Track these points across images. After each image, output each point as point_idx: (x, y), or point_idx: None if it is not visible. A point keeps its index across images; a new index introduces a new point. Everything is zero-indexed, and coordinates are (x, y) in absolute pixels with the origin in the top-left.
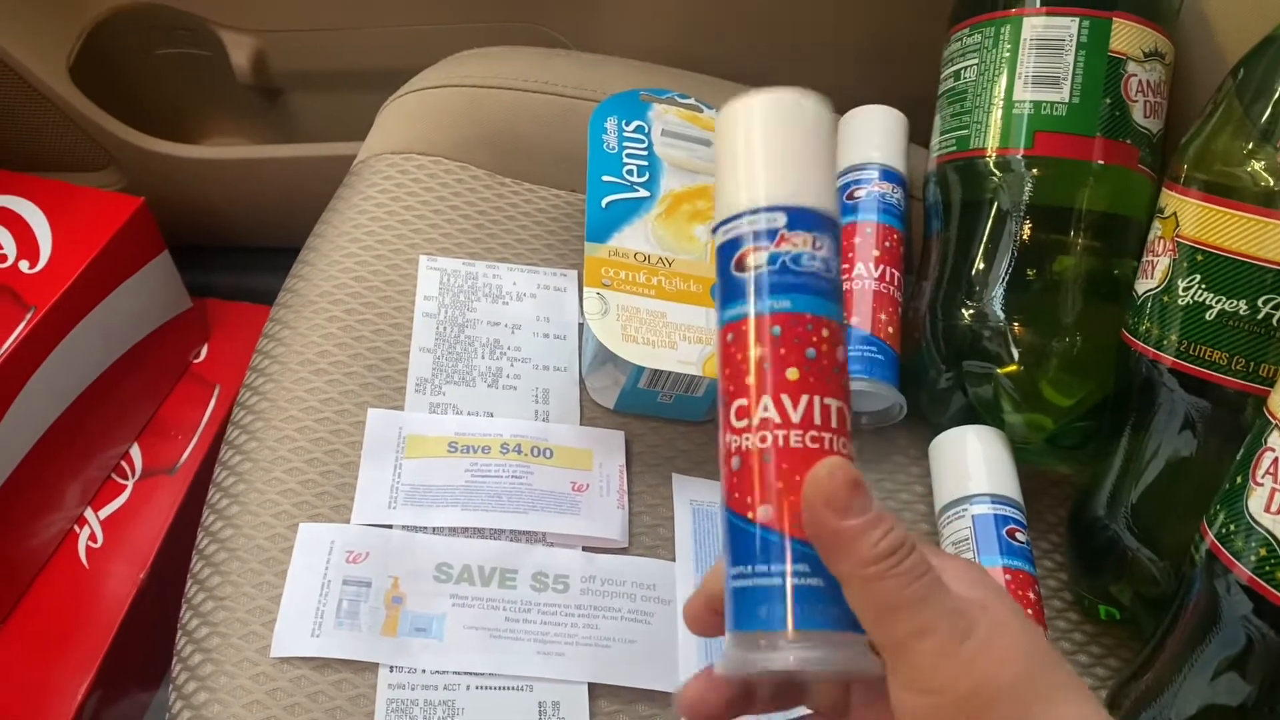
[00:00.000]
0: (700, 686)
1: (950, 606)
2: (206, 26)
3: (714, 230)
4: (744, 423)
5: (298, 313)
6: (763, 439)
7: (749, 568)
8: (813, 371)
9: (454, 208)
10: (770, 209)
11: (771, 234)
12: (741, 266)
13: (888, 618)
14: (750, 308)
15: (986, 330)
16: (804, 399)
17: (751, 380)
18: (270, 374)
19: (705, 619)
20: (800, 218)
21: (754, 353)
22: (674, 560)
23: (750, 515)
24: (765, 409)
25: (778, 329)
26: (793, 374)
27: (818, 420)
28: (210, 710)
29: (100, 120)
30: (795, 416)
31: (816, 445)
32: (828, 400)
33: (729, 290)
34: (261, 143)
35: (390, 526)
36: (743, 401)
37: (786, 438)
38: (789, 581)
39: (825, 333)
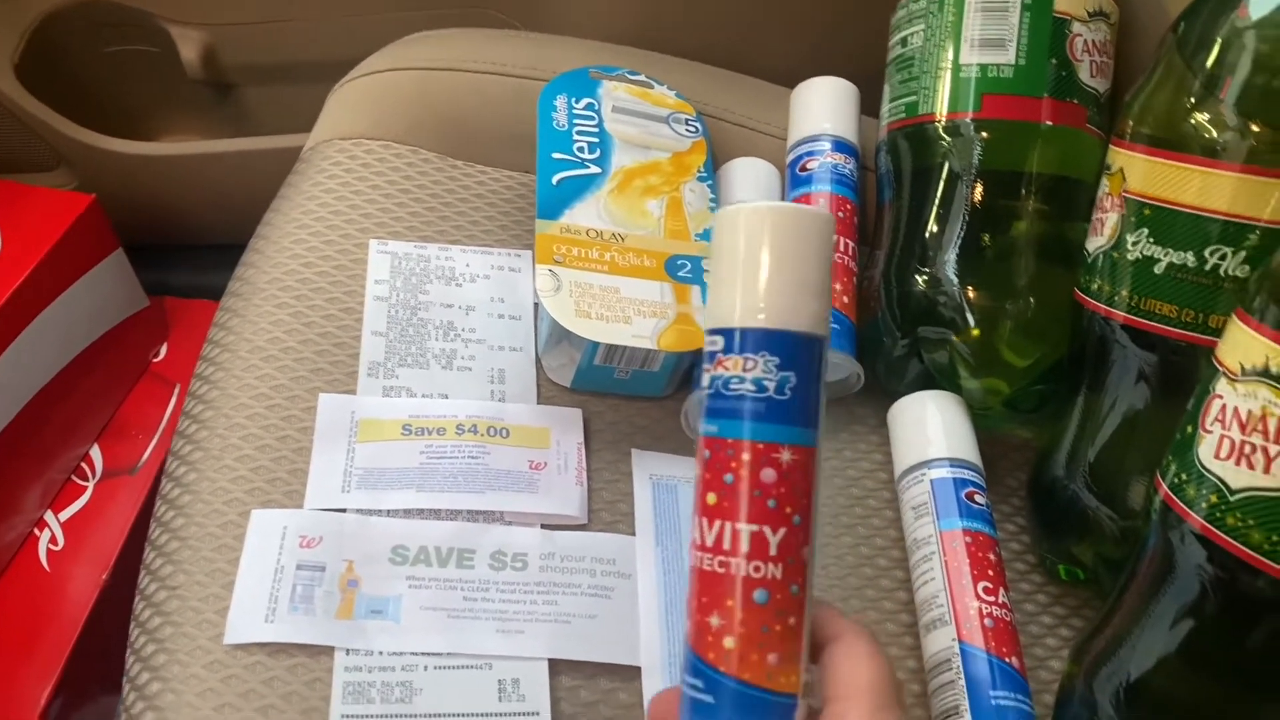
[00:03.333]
0: (674, 700)
1: None
2: (154, 22)
3: None
4: (690, 538)
5: (248, 301)
6: (693, 558)
7: (684, 673)
8: (728, 497)
9: (405, 191)
10: (712, 331)
11: (712, 356)
12: (702, 387)
13: None
14: (701, 429)
15: (940, 296)
16: (716, 524)
17: (695, 499)
18: (221, 363)
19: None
20: (736, 340)
21: (698, 471)
22: (634, 535)
23: (686, 628)
24: (696, 528)
25: (708, 453)
26: (711, 499)
27: (726, 546)
28: (163, 700)
29: (48, 119)
30: (709, 540)
31: (722, 570)
32: (739, 526)
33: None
34: (215, 138)
35: (344, 511)
36: (693, 518)
37: (701, 559)
38: (689, 693)
39: (745, 456)
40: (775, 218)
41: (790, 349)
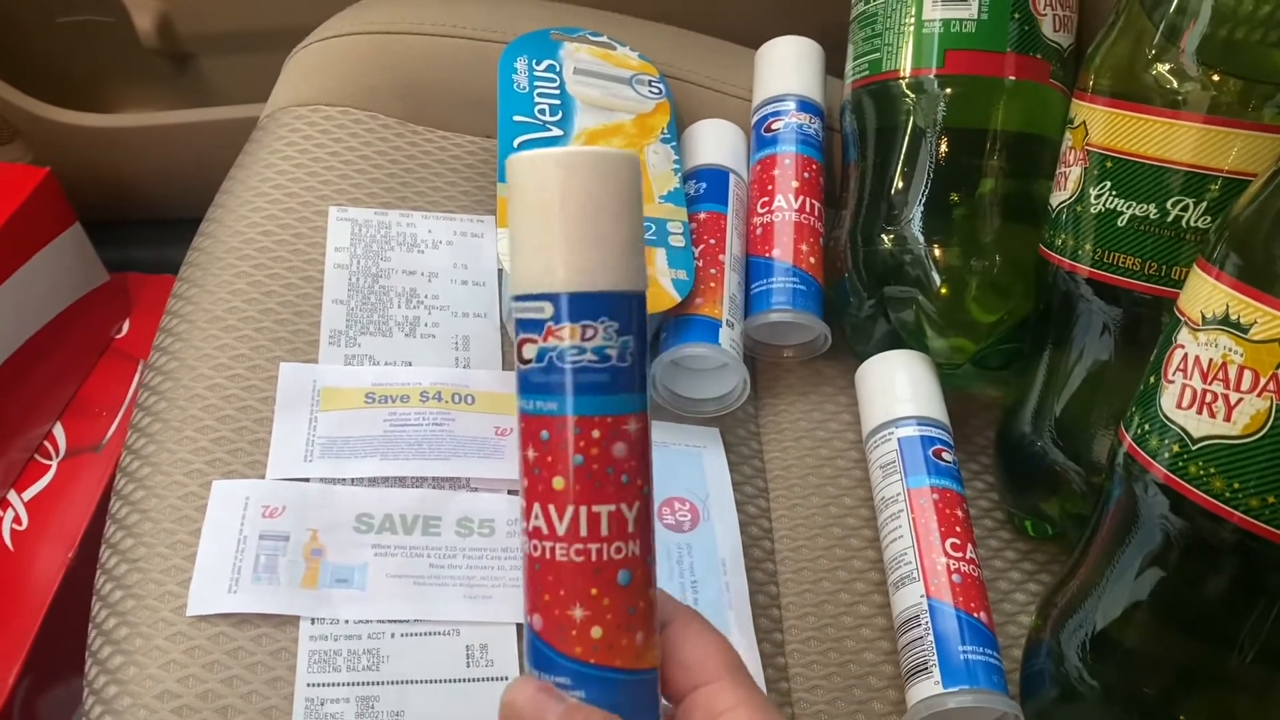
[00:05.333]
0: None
1: None
2: None
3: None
4: (523, 525)
5: (206, 271)
6: (534, 548)
7: (535, 672)
8: (579, 479)
9: (364, 158)
10: (535, 297)
11: (538, 325)
12: (520, 357)
13: None
14: (523, 405)
15: (906, 255)
16: (569, 510)
17: (525, 484)
18: (179, 333)
19: None
20: (572, 305)
21: (527, 456)
22: None
23: (530, 619)
24: (536, 517)
25: (545, 434)
26: (558, 483)
27: (584, 532)
28: (126, 673)
29: (1, 92)
30: (561, 529)
31: (582, 559)
32: (596, 508)
33: (517, 379)
34: (173, 109)
35: (307, 480)
36: (523, 504)
37: (553, 550)
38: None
39: (595, 434)
40: (594, 165)
41: (626, 309)
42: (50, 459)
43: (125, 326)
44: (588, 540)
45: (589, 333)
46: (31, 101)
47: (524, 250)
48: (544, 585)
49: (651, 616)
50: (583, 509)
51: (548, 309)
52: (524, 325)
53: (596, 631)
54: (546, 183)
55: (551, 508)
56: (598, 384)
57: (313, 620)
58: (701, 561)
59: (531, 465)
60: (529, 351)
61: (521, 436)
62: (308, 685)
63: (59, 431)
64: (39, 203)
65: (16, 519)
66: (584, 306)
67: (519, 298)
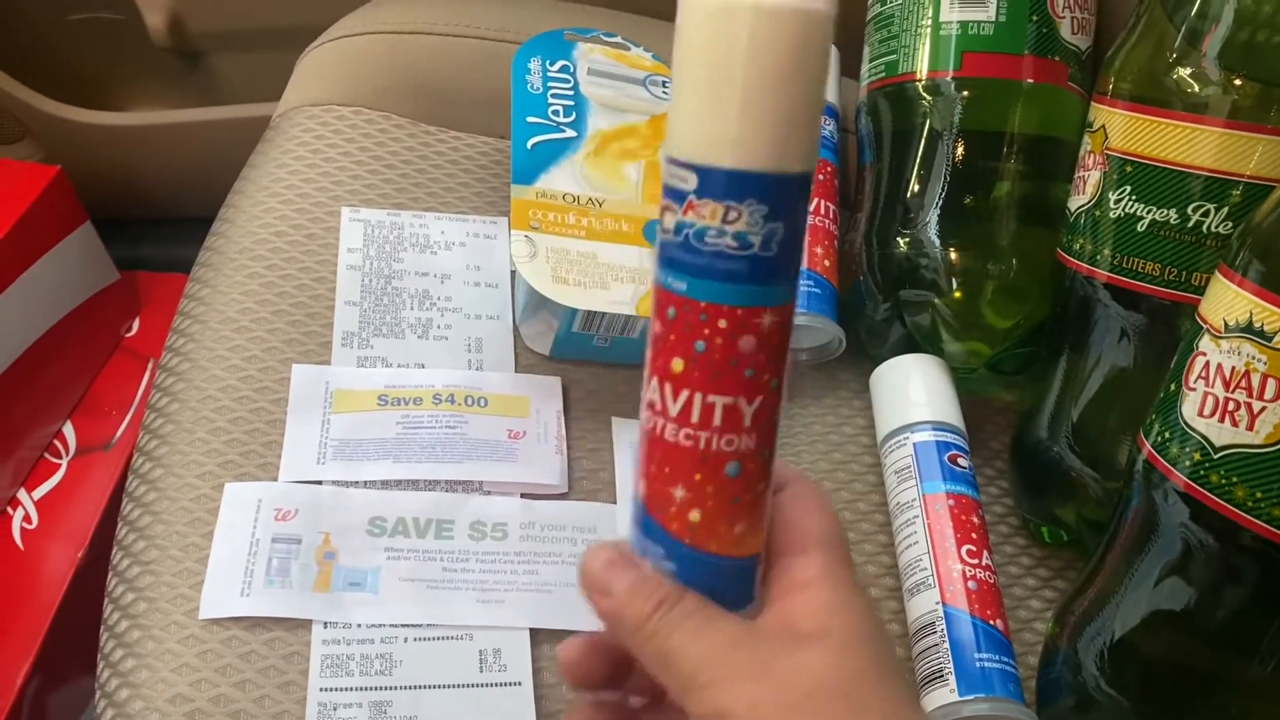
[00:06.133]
0: (582, 650)
1: (722, 644)
2: None
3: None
4: (643, 394)
5: (218, 271)
6: (647, 420)
7: (637, 533)
8: (699, 366)
9: (377, 158)
10: (680, 163)
11: (680, 196)
12: (660, 224)
13: (661, 668)
14: (656, 275)
15: (922, 258)
16: (684, 394)
17: (649, 354)
18: (191, 334)
19: (586, 665)
20: (715, 181)
21: (655, 328)
22: (615, 503)
23: (637, 484)
24: (653, 390)
25: (673, 311)
26: (677, 365)
27: (695, 419)
28: (138, 676)
29: (12, 90)
30: (674, 409)
31: (690, 444)
32: (712, 398)
33: (655, 246)
34: (184, 107)
35: (320, 482)
36: (645, 371)
37: (664, 427)
38: (650, 563)
39: (722, 324)
40: (773, 22)
41: (780, 194)
42: (60, 458)
43: (135, 325)
44: (698, 427)
45: (731, 214)
46: (42, 99)
47: (679, 109)
48: (651, 457)
49: (757, 509)
50: (698, 395)
51: (691, 180)
52: (668, 191)
53: (695, 515)
54: (714, 28)
55: (668, 386)
56: (732, 271)
57: (325, 624)
58: None
59: (656, 338)
60: (668, 221)
61: (653, 305)
62: (320, 690)
63: (69, 430)
64: (49, 201)
65: (27, 518)
66: (729, 185)
67: (668, 160)
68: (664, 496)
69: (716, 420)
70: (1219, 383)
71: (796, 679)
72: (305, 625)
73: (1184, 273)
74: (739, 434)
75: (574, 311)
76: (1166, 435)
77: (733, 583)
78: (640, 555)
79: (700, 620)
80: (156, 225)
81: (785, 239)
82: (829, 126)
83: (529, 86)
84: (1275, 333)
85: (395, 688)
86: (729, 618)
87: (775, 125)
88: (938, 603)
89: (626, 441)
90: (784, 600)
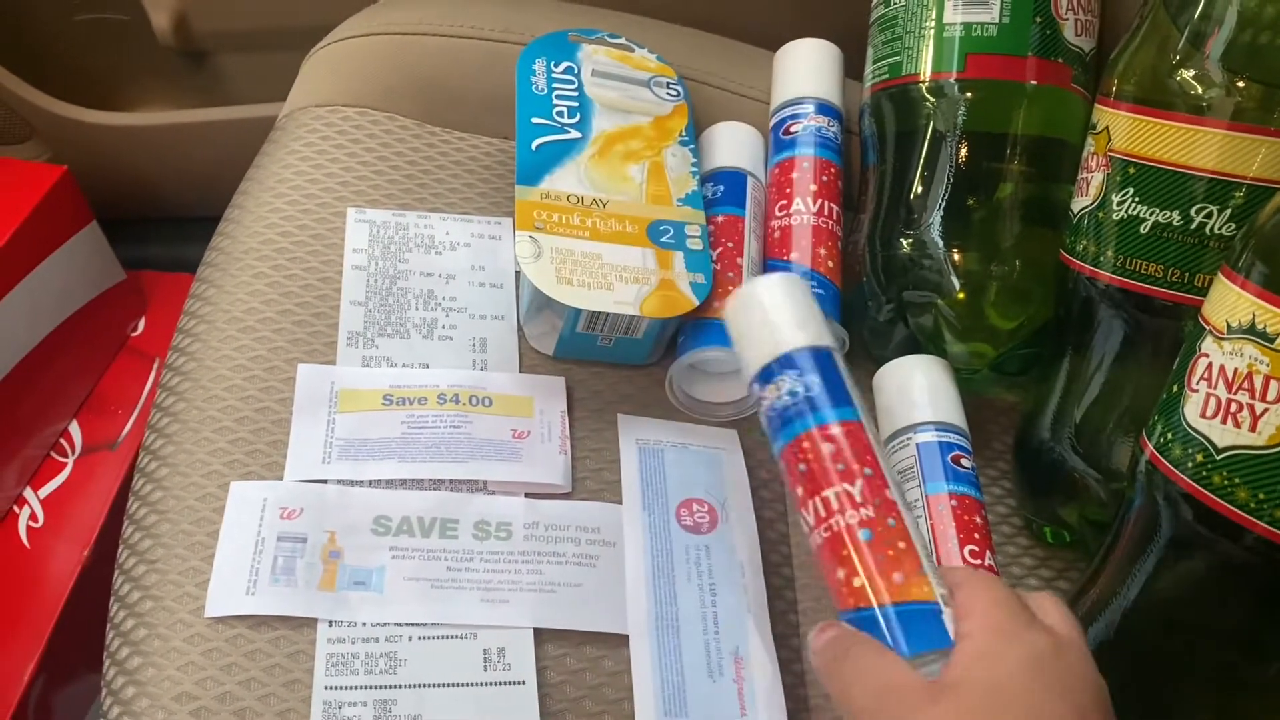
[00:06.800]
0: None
1: (877, 689)
2: None
3: None
4: (809, 544)
5: (224, 271)
6: (812, 544)
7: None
8: (809, 480)
9: (382, 159)
10: (749, 383)
11: (758, 402)
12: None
13: (839, 708)
14: (774, 455)
15: (926, 259)
16: (810, 504)
17: (792, 509)
18: (197, 334)
19: None
20: (767, 373)
21: (788, 484)
22: (619, 502)
23: (836, 604)
24: (803, 524)
25: (783, 465)
26: (800, 492)
27: (823, 514)
28: (144, 674)
29: (18, 90)
30: (810, 520)
31: (829, 534)
32: (824, 494)
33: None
34: (189, 107)
35: (325, 482)
36: (804, 528)
37: (815, 540)
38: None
39: (805, 445)
40: (753, 291)
41: (803, 361)
42: (66, 456)
43: (141, 324)
44: (827, 517)
45: (780, 384)
46: (48, 99)
47: (740, 359)
48: (823, 568)
49: (907, 561)
50: (816, 498)
51: (757, 387)
52: (755, 404)
53: (858, 581)
54: (732, 315)
55: (803, 510)
56: (797, 413)
57: (330, 623)
58: (720, 564)
59: (790, 491)
60: (763, 422)
61: (785, 479)
62: (325, 688)
63: (75, 429)
64: (56, 201)
65: (33, 516)
66: (773, 371)
67: (749, 387)
68: (837, 585)
69: (834, 505)
70: (1221, 384)
71: None
72: (310, 624)
73: (1187, 274)
74: (856, 508)
75: (578, 312)
76: (1169, 436)
77: (922, 623)
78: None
79: (869, 665)
80: (162, 225)
81: (823, 383)
82: (833, 128)
83: (534, 88)
84: (1278, 334)
85: (400, 686)
86: (891, 664)
87: (776, 334)
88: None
89: (632, 438)
90: (951, 656)
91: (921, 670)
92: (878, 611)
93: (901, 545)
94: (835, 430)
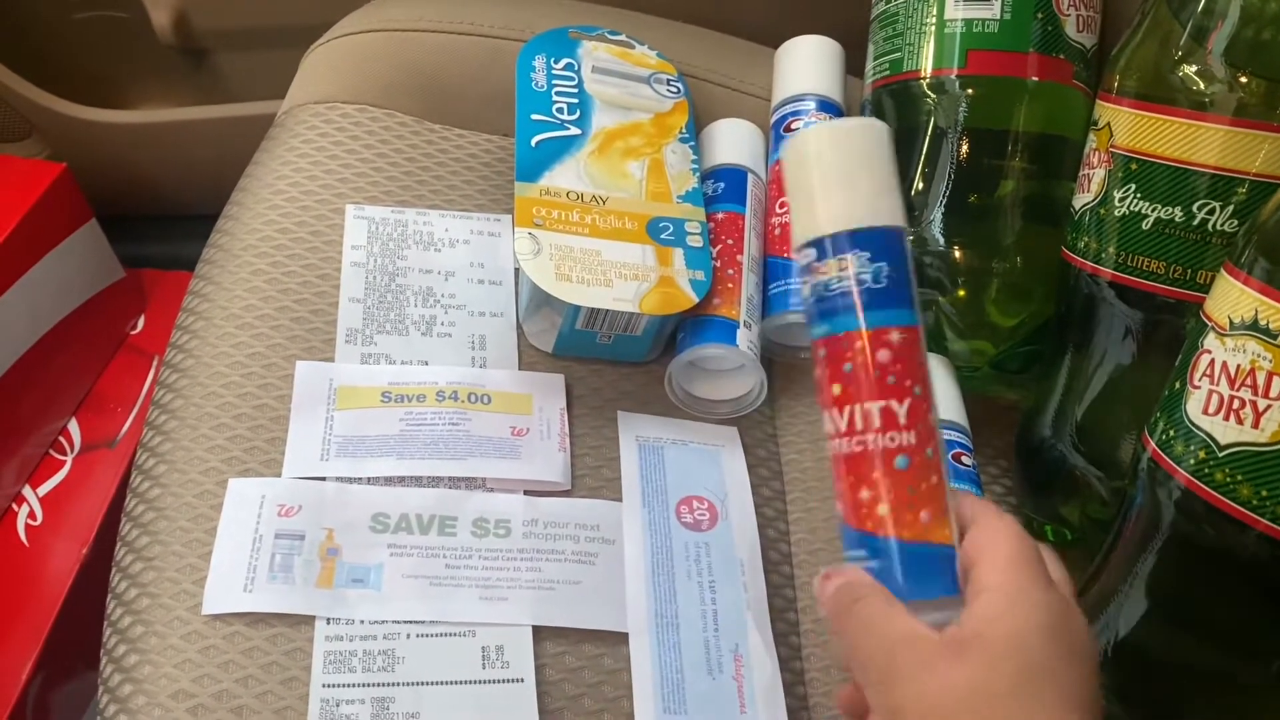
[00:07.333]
0: (852, 689)
1: (891, 642)
2: None
3: None
4: (827, 435)
5: (223, 269)
6: (830, 448)
7: (848, 549)
8: (851, 382)
9: (381, 155)
10: (802, 246)
11: (806, 269)
12: (804, 300)
13: (850, 662)
14: (811, 336)
15: (927, 257)
16: (847, 410)
17: (820, 399)
18: (196, 331)
19: (855, 699)
20: (831, 245)
21: (818, 374)
22: (619, 500)
23: (837, 510)
24: (827, 421)
25: (823, 351)
26: (836, 389)
27: (859, 426)
28: (141, 672)
29: (18, 87)
30: (842, 425)
31: (860, 448)
32: (867, 405)
33: (806, 321)
34: (189, 105)
35: (323, 479)
36: (824, 415)
37: (841, 445)
38: (857, 570)
39: (859, 344)
40: (835, 135)
41: (878, 243)
42: (65, 454)
43: (140, 322)
44: (863, 432)
45: (844, 264)
46: (48, 97)
47: (795, 212)
48: (839, 476)
49: (936, 499)
50: (857, 407)
51: (812, 253)
52: (801, 270)
53: (882, 509)
54: (798, 154)
55: (834, 410)
56: (859, 303)
57: (328, 620)
58: (719, 561)
59: (820, 381)
60: (806, 291)
61: (816, 363)
62: (323, 686)
63: (74, 427)
64: (55, 198)
65: (31, 514)
66: (839, 244)
67: (797, 250)
68: (855, 503)
69: (876, 423)
70: (1224, 381)
71: (946, 688)
72: (308, 621)
73: (1189, 271)
74: (898, 431)
75: (577, 309)
76: (1171, 433)
77: (933, 569)
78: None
79: (878, 617)
80: (162, 222)
81: (892, 274)
82: None
83: (533, 84)
84: None
85: (398, 684)
86: (903, 616)
87: (859, 197)
88: None
89: (632, 434)
90: (966, 605)
91: (922, 618)
92: (894, 545)
93: (934, 480)
94: (894, 336)
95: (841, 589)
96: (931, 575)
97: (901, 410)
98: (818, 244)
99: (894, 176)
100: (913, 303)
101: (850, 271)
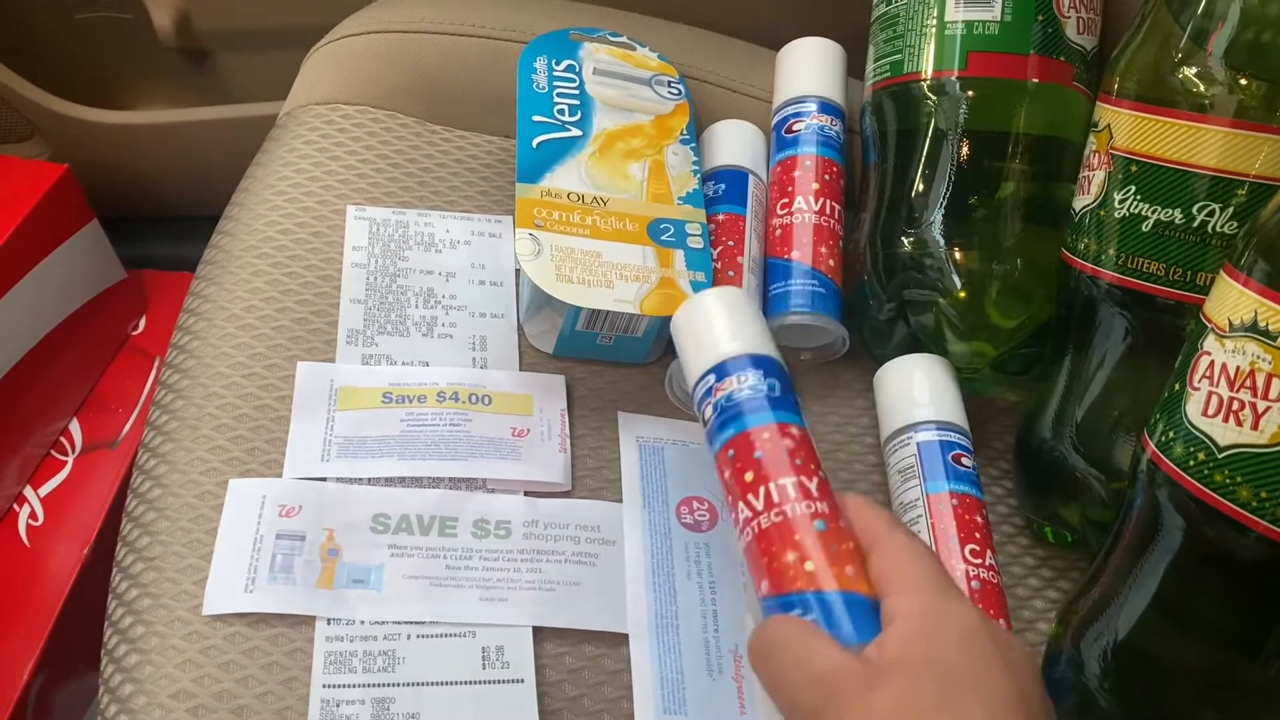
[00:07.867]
0: None
1: (816, 675)
2: None
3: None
4: (737, 534)
5: (224, 269)
6: (748, 535)
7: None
8: (764, 467)
9: (382, 156)
10: (701, 375)
11: (709, 392)
12: (704, 421)
13: (774, 695)
14: (714, 451)
15: (927, 258)
16: (762, 489)
17: (730, 499)
18: (197, 332)
19: None
20: (728, 367)
21: (726, 476)
22: (619, 501)
23: (760, 592)
24: (740, 511)
25: (732, 452)
26: (749, 477)
27: (776, 500)
28: (142, 672)
29: (20, 88)
30: (759, 505)
31: (781, 518)
32: (782, 481)
33: (706, 441)
34: (191, 106)
35: (324, 479)
36: (732, 517)
37: (760, 524)
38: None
39: (766, 435)
40: (723, 294)
41: (771, 366)
42: (66, 455)
43: (142, 323)
44: (780, 504)
45: (743, 379)
46: (49, 98)
47: (686, 356)
48: (759, 554)
49: (855, 559)
50: (772, 484)
51: (711, 379)
52: (701, 398)
53: (810, 564)
54: (696, 308)
55: (749, 495)
56: (763, 405)
57: (329, 621)
58: (720, 562)
59: (729, 483)
60: (708, 413)
61: (720, 474)
62: (323, 686)
63: (75, 427)
64: (56, 199)
65: (33, 515)
66: (739, 364)
67: (698, 383)
68: (781, 569)
69: (792, 494)
70: (1224, 382)
71: (874, 716)
72: (308, 621)
73: (1189, 272)
74: (813, 500)
75: (578, 310)
76: (1171, 435)
77: (866, 614)
78: None
79: (797, 654)
80: (163, 224)
81: (784, 390)
82: (836, 127)
83: (534, 86)
84: None
85: (398, 684)
86: (827, 649)
87: (749, 333)
88: None
89: (632, 435)
90: (882, 634)
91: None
92: (830, 595)
93: (850, 545)
94: (795, 431)
95: (765, 630)
96: (867, 620)
97: (812, 485)
98: (718, 368)
99: (766, 328)
100: (801, 415)
101: (750, 383)
